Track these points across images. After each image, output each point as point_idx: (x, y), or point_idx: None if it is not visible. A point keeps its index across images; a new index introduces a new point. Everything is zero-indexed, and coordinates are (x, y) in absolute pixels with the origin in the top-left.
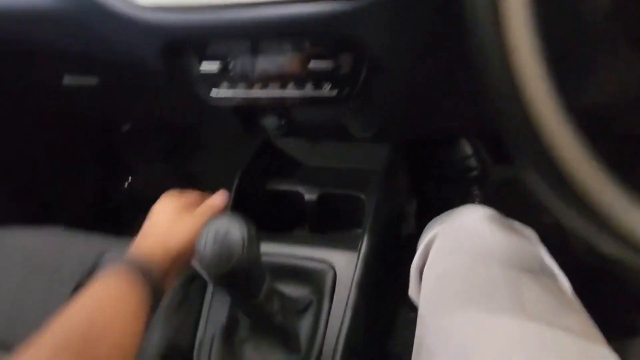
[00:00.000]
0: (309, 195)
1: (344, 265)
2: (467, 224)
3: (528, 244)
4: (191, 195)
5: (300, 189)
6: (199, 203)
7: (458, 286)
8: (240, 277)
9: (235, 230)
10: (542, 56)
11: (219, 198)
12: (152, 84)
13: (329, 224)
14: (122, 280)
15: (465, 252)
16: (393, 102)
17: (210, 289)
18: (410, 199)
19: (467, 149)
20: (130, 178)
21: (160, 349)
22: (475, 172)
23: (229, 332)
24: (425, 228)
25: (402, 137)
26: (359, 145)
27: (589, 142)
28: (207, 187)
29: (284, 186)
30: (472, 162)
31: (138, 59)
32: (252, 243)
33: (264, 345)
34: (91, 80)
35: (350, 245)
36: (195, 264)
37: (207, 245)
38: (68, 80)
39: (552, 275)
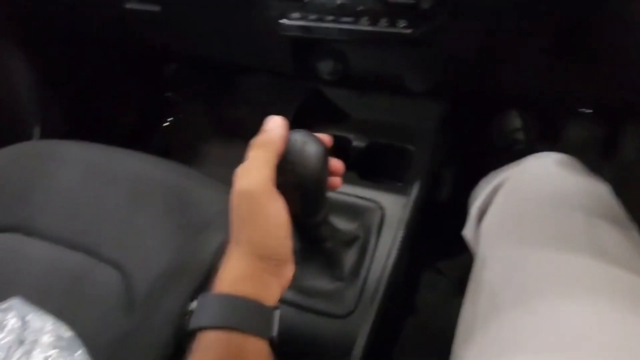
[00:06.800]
0: (357, 142)
1: (392, 206)
2: (540, 169)
3: (605, 191)
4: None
5: (348, 135)
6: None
7: (530, 227)
8: (310, 189)
9: (313, 143)
10: None
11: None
12: (214, 14)
13: (375, 173)
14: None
15: (538, 195)
16: (462, 52)
17: None
18: (448, 165)
19: (517, 121)
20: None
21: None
22: (521, 146)
23: None
24: (480, 183)
25: (457, 94)
26: (409, 102)
27: None
28: (247, 135)
29: (332, 131)
30: (520, 135)
31: None
32: (325, 159)
33: (311, 271)
34: (154, 7)
35: (398, 189)
36: None
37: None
38: (131, 4)
39: (630, 228)
